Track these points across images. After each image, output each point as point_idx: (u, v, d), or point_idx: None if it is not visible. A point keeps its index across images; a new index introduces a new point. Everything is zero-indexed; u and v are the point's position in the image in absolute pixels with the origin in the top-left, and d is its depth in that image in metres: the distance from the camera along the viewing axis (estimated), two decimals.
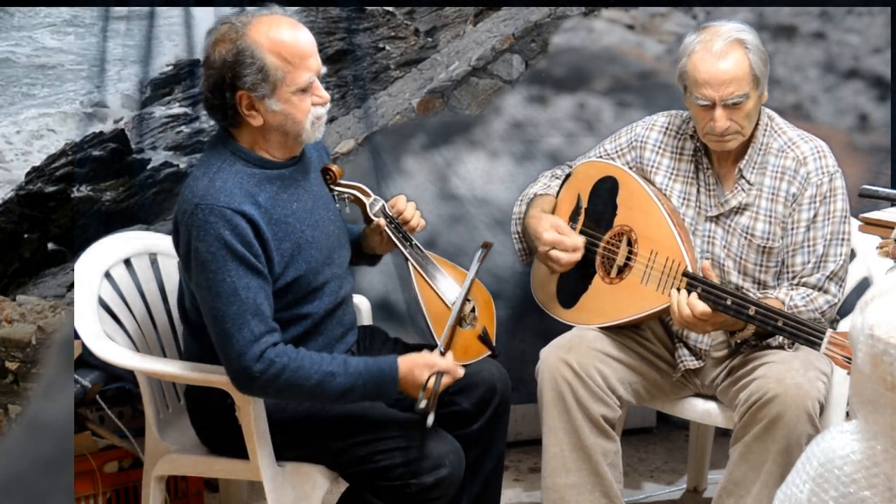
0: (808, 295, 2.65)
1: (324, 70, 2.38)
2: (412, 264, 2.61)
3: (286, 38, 2.31)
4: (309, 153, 2.52)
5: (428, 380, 2.34)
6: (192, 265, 2.32)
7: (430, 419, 2.31)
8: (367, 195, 2.60)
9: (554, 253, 2.76)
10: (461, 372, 2.41)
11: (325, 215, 2.51)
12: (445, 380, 2.36)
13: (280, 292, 2.39)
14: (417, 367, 2.36)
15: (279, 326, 2.40)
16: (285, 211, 2.39)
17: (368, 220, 2.61)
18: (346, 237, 2.60)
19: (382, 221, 2.58)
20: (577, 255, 2.77)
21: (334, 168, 2.59)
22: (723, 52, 2.60)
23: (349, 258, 2.61)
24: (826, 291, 2.67)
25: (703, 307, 2.53)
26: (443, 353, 2.43)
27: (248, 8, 2.44)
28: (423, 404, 2.30)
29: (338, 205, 2.60)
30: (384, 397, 2.41)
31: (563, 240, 2.76)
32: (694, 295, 2.55)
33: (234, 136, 2.40)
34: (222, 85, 2.31)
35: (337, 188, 2.60)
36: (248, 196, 2.32)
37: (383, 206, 2.61)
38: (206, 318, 2.34)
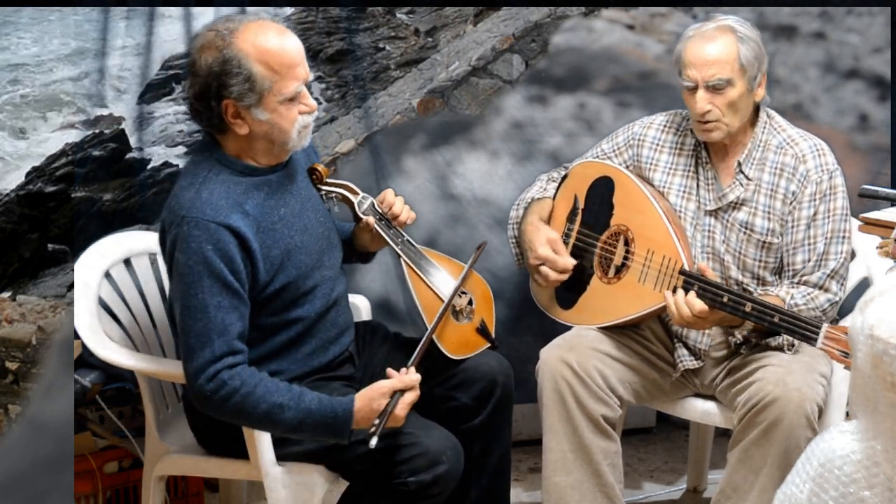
0: (808, 293, 2.65)
1: (311, 77, 2.36)
2: (404, 260, 2.60)
3: (273, 47, 2.28)
4: (296, 155, 2.49)
5: (388, 405, 2.28)
6: (173, 275, 2.33)
7: (373, 441, 2.22)
8: (356, 193, 2.59)
9: (544, 269, 2.79)
10: (416, 377, 2.32)
11: (314, 217, 2.50)
12: (408, 397, 2.30)
13: (270, 299, 2.39)
14: (374, 399, 2.29)
15: (270, 332, 2.40)
16: (273, 218, 2.38)
17: (358, 219, 2.60)
18: (336, 238, 2.59)
19: (372, 220, 2.57)
20: (564, 277, 2.80)
21: (320, 168, 2.57)
22: (711, 35, 2.66)
23: (341, 258, 2.60)
24: (827, 290, 2.67)
25: (701, 305, 2.54)
26: (408, 369, 2.34)
27: (238, 11, 2.42)
28: (375, 421, 2.25)
29: (326, 205, 2.58)
30: (337, 438, 2.33)
31: (556, 259, 2.79)
32: (692, 293, 2.55)
33: (220, 144, 2.38)
34: (208, 93, 2.28)
35: (324, 188, 2.58)
36: (236, 206, 2.31)
37: (372, 203, 2.60)
38: (177, 328, 2.35)
